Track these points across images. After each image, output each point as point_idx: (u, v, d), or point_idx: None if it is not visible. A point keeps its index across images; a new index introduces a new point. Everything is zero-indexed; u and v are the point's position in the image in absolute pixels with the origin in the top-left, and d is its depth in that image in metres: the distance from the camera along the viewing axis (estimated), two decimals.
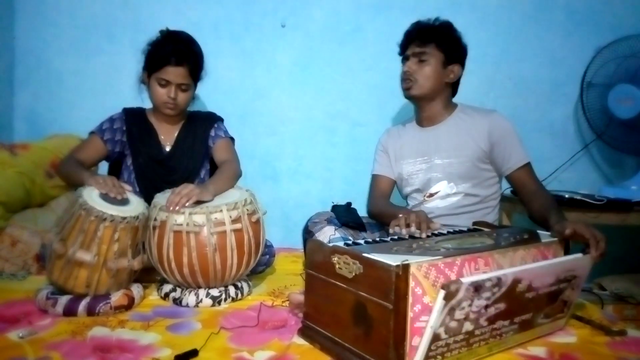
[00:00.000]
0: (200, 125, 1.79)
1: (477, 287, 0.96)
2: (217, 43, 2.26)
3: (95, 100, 2.27)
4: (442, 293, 0.91)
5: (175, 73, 1.65)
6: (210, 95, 2.14)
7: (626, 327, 1.29)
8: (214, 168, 1.81)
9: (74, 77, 2.30)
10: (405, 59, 1.71)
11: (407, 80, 1.68)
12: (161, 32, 1.71)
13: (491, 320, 1.05)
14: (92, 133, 1.72)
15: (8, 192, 1.79)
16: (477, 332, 1.04)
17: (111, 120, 1.74)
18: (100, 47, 2.29)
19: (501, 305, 1.05)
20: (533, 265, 1.11)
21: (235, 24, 2.30)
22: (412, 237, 1.30)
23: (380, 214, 1.70)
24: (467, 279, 0.94)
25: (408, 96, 1.71)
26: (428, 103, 1.70)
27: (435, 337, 0.95)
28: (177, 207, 1.41)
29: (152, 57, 1.67)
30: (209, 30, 2.26)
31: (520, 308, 1.11)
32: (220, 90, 2.26)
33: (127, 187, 1.50)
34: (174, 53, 1.63)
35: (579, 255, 1.20)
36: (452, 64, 1.67)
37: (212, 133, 1.79)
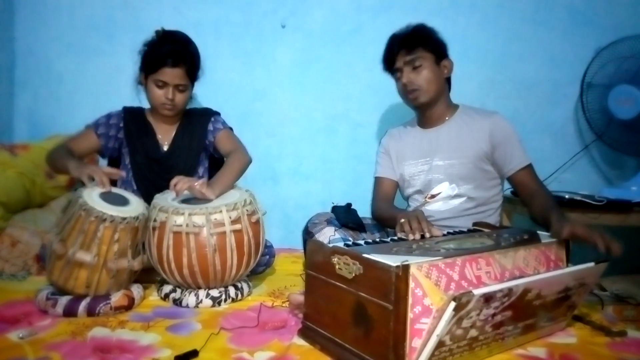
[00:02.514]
0: (197, 123, 1.79)
1: (488, 298, 0.96)
2: (217, 43, 2.26)
3: (95, 101, 2.26)
4: (452, 305, 0.90)
5: (172, 74, 1.64)
6: (210, 95, 2.14)
7: (626, 327, 1.29)
8: (212, 165, 1.81)
9: (74, 77, 2.31)
10: (396, 71, 1.69)
11: (411, 91, 1.66)
12: (157, 32, 1.69)
13: (496, 326, 1.05)
14: (87, 126, 1.73)
15: (8, 192, 1.79)
16: (480, 337, 1.04)
17: (108, 116, 1.75)
18: (100, 48, 2.29)
19: (508, 313, 1.04)
20: (545, 275, 1.11)
21: (235, 24, 2.30)
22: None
23: (382, 218, 1.70)
24: (478, 291, 0.93)
25: (417, 105, 1.69)
26: (434, 106, 1.70)
27: (440, 344, 0.95)
28: (178, 188, 1.46)
29: (148, 58, 1.67)
30: (209, 31, 2.26)
31: (526, 314, 1.11)
32: (220, 90, 2.26)
33: (122, 173, 1.51)
34: (171, 54, 1.63)
35: (592, 264, 1.19)
36: (442, 59, 1.67)
37: (211, 127, 1.78)
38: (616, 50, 2.10)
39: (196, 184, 1.48)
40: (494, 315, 1.01)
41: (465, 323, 0.96)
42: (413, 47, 1.64)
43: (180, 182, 1.48)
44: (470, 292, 0.92)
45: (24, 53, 2.30)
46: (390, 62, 1.70)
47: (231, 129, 1.83)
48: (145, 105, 1.79)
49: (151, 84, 1.67)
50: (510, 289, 0.99)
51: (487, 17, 2.27)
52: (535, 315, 1.14)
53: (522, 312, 1.09)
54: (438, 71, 1.66)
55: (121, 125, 1.74)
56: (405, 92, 1.68)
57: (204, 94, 2.00)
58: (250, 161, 1.71)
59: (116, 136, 1.74)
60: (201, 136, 1.77)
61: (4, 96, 2.27)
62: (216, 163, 1.85)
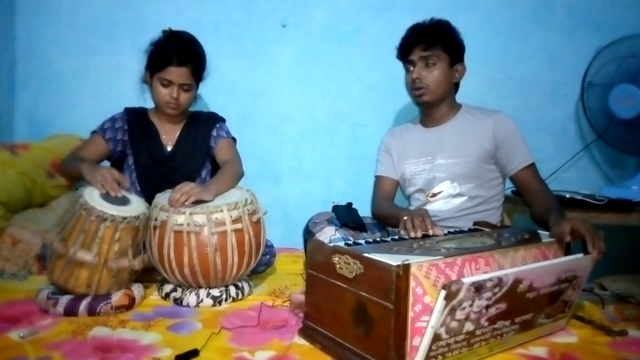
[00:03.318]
0: (202, 126, 1.79)
1: (478, 287, 0.96)
2: (217, 43, 2.26)
3: (96, 100, 2.27)
4: (442, 293, 0.91)
5: (177, 73, 1.65)
6: (210, 95, 2.14)
7: (627, 327, 1.29)
8: (215, 168, 1.81)
9: (75, 77, 2.31)
10: (409, 63, 1.67)
11: (418, 88, 1.64)
12: (164, 32, 1.71)
13: (492, 320, 1.05)
14: (94, 132, 1.73)
15: (9, 192, 1.79)
16: (477, 332, 1.04)
17: (113, 119, 1.75)
18: (101, 47, 2.29)
19: (502, 306, 1.05)
20: (534, 266, 1.11)
21: (236, 23, 2.30)
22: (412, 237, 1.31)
23: (384, 216, 1.70)
24: (468, 279, 0.94)
25: (420, 102, 1.69)
26: (437, 106, 1.70)
27: (436, 337, 0.95)
28: (178, 205, 1.41)
29: (154, 57, 1.67)
30: (209, 30, 2.26)
31: (521, 308, 1.11)
32: (221, 90, 2.26)
33: (125, 181, 1.49)
34: (177, 53, 1.63)
35: (580, 255, 1.20)
36: (456, 63, 1.66)
37: (214, 133, 1.79)
38: (617, 49, 2.10)
39: (188, 201, 1.42)
40: (487, 307, 1.01)
41: (459, 315, 0.97)
42: (432, 44, 1.61)
43: (177, 194, 1.42)
44: (460, 280, 0.92)
45: (25, 52, 2.30)
46: (405, 53, 1.67)
47: (234, 139, 1.83)
48: (149, 104, 1.79)
49: (156, 82, 1.67)
50: (500, 279, 0.99)
51: (488, 16, 2.27)
52: (530, 310, 1.14)
53: (517, 306, 1.09)
54: (449, 74, 1.65)
55: (126, 127, 1.74)
56: (413, 87, 1.66)
57: (205, 94, 2.00)
58: (243, 175, 1.71)
59: (122, 139, 1.74)
60: (205, 140, 1.78)
61: (4, 95, 2.27)
62: (218, 166, 1.86)
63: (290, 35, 2.31)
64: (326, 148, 2.34)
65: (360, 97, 2.32)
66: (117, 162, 1.79)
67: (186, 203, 1.42)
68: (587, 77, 2.15)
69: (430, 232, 1.31)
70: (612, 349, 1.17)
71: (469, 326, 1.01)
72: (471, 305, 0.98)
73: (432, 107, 1.70)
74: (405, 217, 1.37)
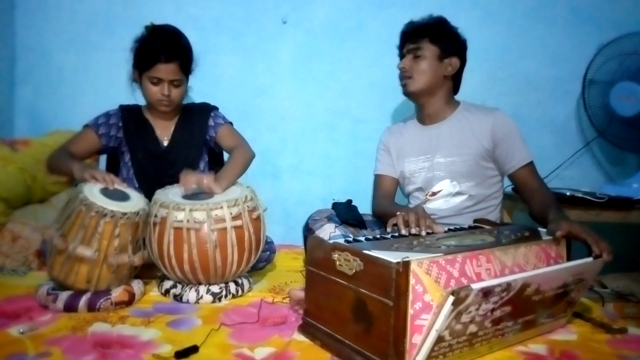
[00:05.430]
0: (197, 117, 1.79)
1: (487, 293, 0.96)
2: (217, 39, 2.26)
3: (96, 96, 2.27)
4: (451, 299, 0.90)
5: (166, 70, 1.63)
6: (210, 91, 2.13)
7: (627, 325, 1.29)
8: (212, 159, 1.81)
9: (75, 73, 2.30)
10: (401, 57, 1.72)
11: (403, 77, 1.69)
12: (146, 27, 1.66)
13: (496, 321, 1.05)
14: (86, 126, 1.71)
15: (9, 188, 1.79)
16: (480, 332, 1.04)
17: (107, 115, 1.74)
18: (101, 43, 2.29)
19: (507, 308, 1.04)
20: (544, 270, 1.11)
21: (236, 20, 2.29)
22: (412, 234, 1.30)
23: (383, 215, 1.70)
24: (477, 285, 0.93)
25: (406, 93, 1.71)
26: (428, 99, 1.69)
27: (439, 339, 0.95)
28: (188, 179, 1.49)
29: (141, 55, 1.64)
30: (209, 27, 2.25)
31: (525, 310, 1.11)
32: (221, 87, 2.26)
33: (123, 184, 1.50)
34: (163, 50, 1.61)
35: (589, 259, 1.19)
36: (448, 57, 1.67)
37: (211, 122, 1.78)
38: (618, 46, 2.09)
39: (204, 179, 1.49)
40: (493, 310, 1.01)
41: (465, 318, 0.96)
42: (420, 38, 1.66)
43: (190, 175, 1.51)
44: (469, 286, 0.92)
45: (25, 48, 2.30)
46: (400, 48, 1.74)
47: (231, 123, 1.83)
48: (141, 102, 1.78)
49: (146, 81, 1.66)
50: (508, 284, 0.99)
51: (489, 13, 2.27)
52: (534, 311, 1.14)
53: (522, 308, 1.09)
54: (438, 66, 1.66)
55: (120, 124, 1.74)
56: (400, 77, 1.70)
57: (205, 90, 1.99)
58: (253, 156, 1.72)
59: (116, 135, 1.73)
60: (201, 131, 1.77)
61: (4, 91, 2.26)
62: (216, 157, 1.85)
63: (290, 32, 2.30)
64: (326, 145, 2.34)
65: (360, 94, 2.32)
66: (114, 160, 1.79)
67: (204, 180, 1.49)
68: (589, 75, 2.14)
69: (423, 232, 1.30)
70: (611, 346, 1.17)
71: (472, 328, 1.01)
72: (477, 309, 0.97)
73: (421, 99, 1.71)
74: (399, 213, 1.37)
